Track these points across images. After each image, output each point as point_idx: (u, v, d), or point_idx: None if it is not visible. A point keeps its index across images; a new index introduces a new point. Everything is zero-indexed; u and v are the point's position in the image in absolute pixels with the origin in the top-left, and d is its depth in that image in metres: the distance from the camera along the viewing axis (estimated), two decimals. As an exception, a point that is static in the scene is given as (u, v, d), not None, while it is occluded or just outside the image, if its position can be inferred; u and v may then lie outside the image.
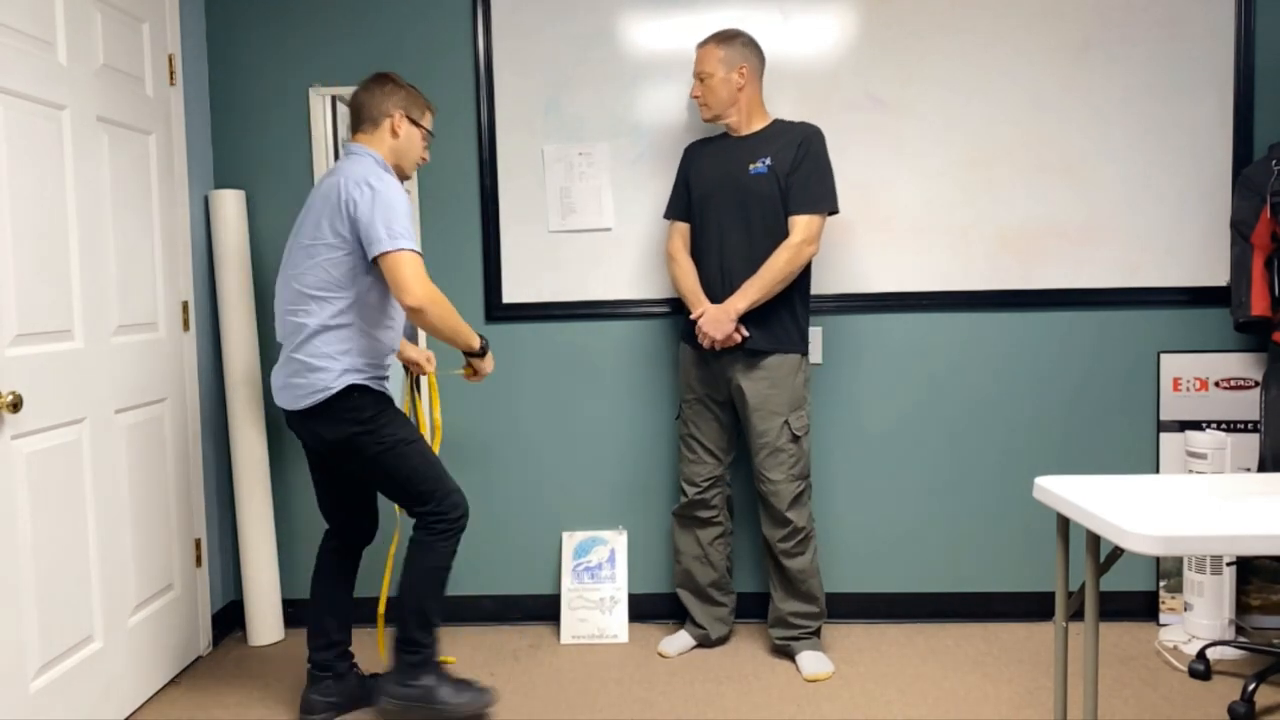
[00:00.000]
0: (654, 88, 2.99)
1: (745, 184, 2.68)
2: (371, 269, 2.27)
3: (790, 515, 2.72)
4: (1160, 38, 2.91)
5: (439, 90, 3.03)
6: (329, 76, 3.04)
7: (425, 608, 2.36)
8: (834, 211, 2.69)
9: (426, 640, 2.37)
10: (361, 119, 2.39)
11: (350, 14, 3.02)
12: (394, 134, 2.38)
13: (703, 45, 2.71)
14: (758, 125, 2.73)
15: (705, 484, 2.83)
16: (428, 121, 2.45)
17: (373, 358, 2.34)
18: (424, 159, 2.47)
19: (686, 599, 2.93)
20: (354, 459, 2.35)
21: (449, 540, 2.38)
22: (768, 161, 2.67)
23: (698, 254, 2.79)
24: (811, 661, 2.73)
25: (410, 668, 2.36)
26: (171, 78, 2.81)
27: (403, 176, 2.42)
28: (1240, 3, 2.88)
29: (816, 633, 2.82)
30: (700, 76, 2.71)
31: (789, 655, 2.81)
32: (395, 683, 2.37)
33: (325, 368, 2.27)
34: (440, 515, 2.37)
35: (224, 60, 3.05)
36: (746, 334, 2.67)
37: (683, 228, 2.84)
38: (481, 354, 2.50)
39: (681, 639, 2.90)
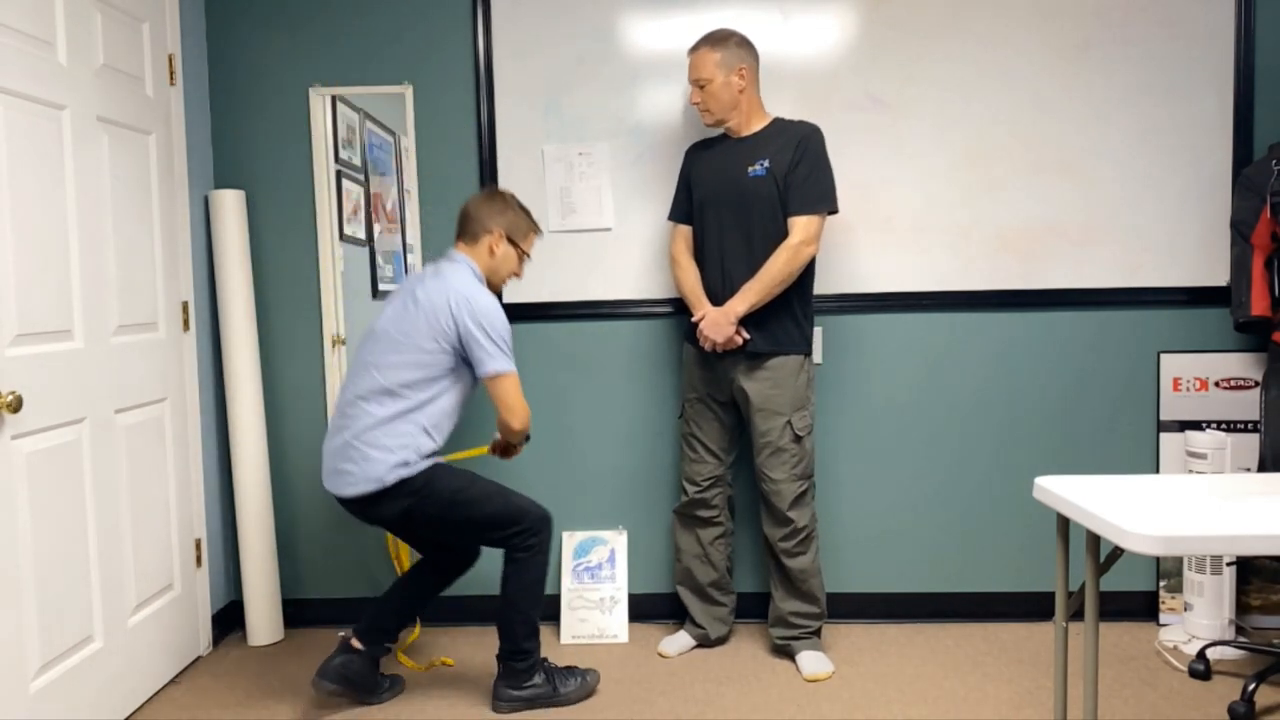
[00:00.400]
0: (654, 88, 2.99)
1: (744, 187, 2.67)
2: (450, 376, 2.39)
3: (791, 515, 2.72)
4: (1160, 38, 2.91)
5: (439, 90, 3.03)
6: (329, 76, 3.04)
7: (531, 617, 2.49)
8: (833, 211, 2.69)
9: (533, 646, 2.51)
10: (465, 230, 2.52)
11: (350, 14, 3.02)
12: (491, 252, 2.50)
13: (695, 51, 2.68)
14: (757, 125, 2.72)
15: (706, 483, 2.84)
16: (528, 244, 2.56)
17: (425, 455, 2.40)
18: (517, 275, 2.59)
19: (686, 598, 2.93)
20: (418, 525, 2.43)
21: (542, 554, 2.48)
22: (766, 163, 2.66)
23: (699, 257, 2.79)
24: (811, 661, 2.73)
25: (521, 673, 2.51)
26: (171, 78, 2.81)
27: (491, 289, 2.53)
28: (1240, 2, 2.88)
29: (817, 633, 2.82)
30: (699, 83, 2.67)
31: (789, 655, 2.81)
32: (509, 688, 2.51)
33: (379, 459, 2.33)
34: (525, 533, 2.45)
35: (224, 60, 3.05)
36: (747, 336, 2.67)
37: (685, 230, 2.84)
38: (526, 439, 2.59)
39: (681, 639, 2.90)
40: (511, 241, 2.51)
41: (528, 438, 2.59)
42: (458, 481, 2.41)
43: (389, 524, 2.45)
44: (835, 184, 2.70)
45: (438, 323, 2.34)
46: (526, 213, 2.56)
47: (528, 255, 2.58)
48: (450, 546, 2.62)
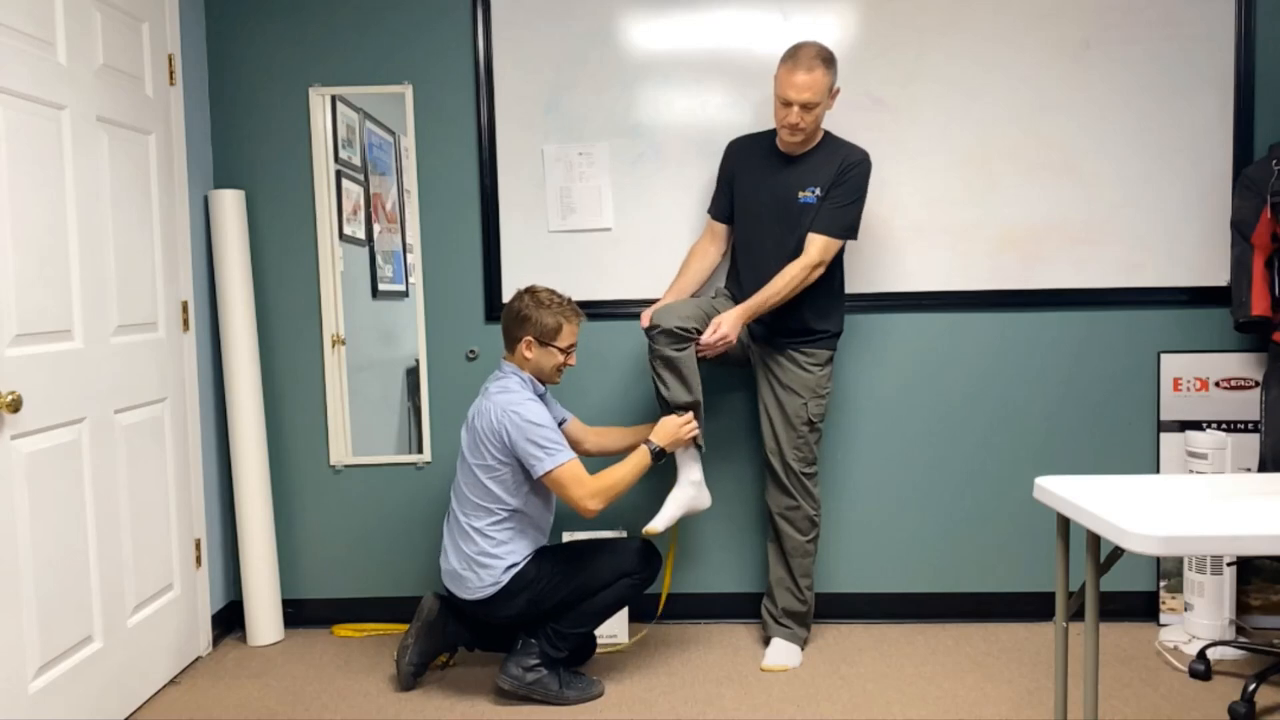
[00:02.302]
0: (654, 88, 2.99)
1: (794, 212, 2.68)
2: (526, 483, 2.53)
3: (795, 489, 2.77)
4: (1160, 37, 2.91)
5: (439, 90, 3.03)
6: (329, 76, 3.04)
7: (594, 622, 2.59)
8: (852, 239, 2.73)
9: (574, 643, 2.59)
10: (505, 339, 2.62)
11: (350, 14, 3.02)
12: (526, 358, 2.57)
13: (808, 70, 2.52)
14: (813, 143, 2.70)
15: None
16: (563, 339, 2.58)
17: (532, 544, 2.59)
18: (569, 364, 2.63)
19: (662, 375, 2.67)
20: (546, 607, 2.54)
21: (642, 587, 2.61)
22: (817, 191, 2.66)
23: (739, 263, 2.81)
24: (776, 651, 2.79)
25: (544, 660, 2.56)
26: (171, 78, 2.81)
27: (548, 383, 2.64)
28: (1240, 3, 2.88)
29: (798, 621, 2.83)
30: (807, 105, 2.54)
31: (767, 639, 2.85)
32: (521, 666, 2.56)
33: (490, 565, 2.52)
34: (633, 576, 2.58)
35: (224, 60, 3.05)
36: (733, 342, 2.66)
37: (720, 229, 2.86)
38: (661, 456, 2.59)
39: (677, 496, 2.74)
40: (542, 343, 2.56)
41: (661, 452, 2.58)
42: (564, 555, 2.59)
43: (516, 621, 2.57)
44: (861, 214, 2.71)
45: (495, 440, 2.49)
46: (555, 306, 2.56)
47: (569, 349, 2.59)
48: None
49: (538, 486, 2.56)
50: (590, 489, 2.47)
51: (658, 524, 2.63)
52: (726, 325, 2.62)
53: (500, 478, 2.51)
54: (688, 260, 2.90)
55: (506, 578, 2.51)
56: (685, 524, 3.00)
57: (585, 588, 2.53)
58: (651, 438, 2.60)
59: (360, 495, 3.14)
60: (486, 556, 2.51)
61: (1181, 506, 1.79)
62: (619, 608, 2.62)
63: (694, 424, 2.63)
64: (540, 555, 2.57)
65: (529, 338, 2.55)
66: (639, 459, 2.56)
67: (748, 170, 2.77)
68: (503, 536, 2.52)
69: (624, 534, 3.07)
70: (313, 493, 3.14)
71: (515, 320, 2.57)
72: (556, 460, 2.46)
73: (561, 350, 2.58)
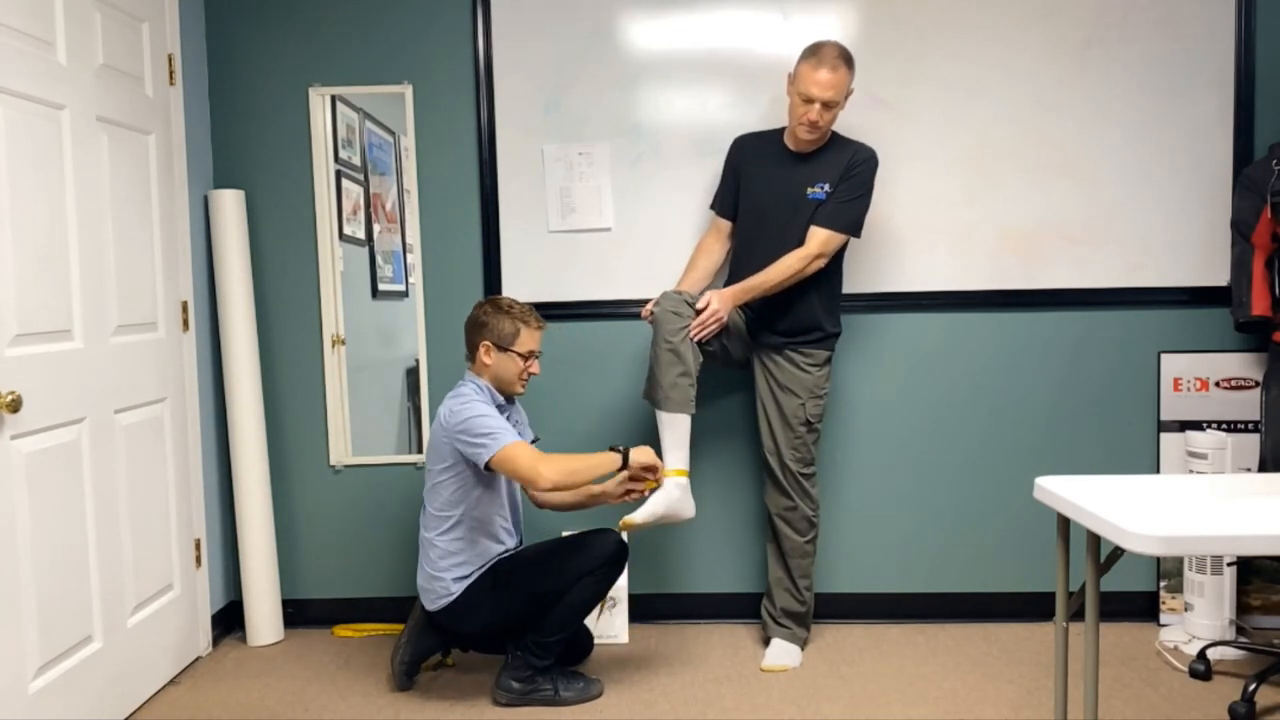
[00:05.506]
0: (654, 88, 2.99)
1: (803, 209, 2.67)
2: (475, 488, 2.52)
3: (793, 490, 2.76)
4: (1161, 37, 2.91)
5: (439, 90, 3.03)
6: (329, 76, 3.04)
7: (572, 622, 2.56)
8: (855, 236, 2.71)
9: (557, 648, 2.57)
10: (467, 348, 2.61)
11: (350, 14, 3.02)
12: (485, 365, 2.55)
13: (833, 69, 2.53)
14: (822, 141, 2.70)
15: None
16: (522, 344, 2.54)
17: (482, 558, 2.57)
18: (533, 373, 2.59)
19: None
20: (505, 625, 2.55)
21: (611, 581, 2.56)
22: (826, 187, 2.65)
23: (741, 259, 2.79)
24: (776, 651, 2.79)
25: (536, 669, 2.56)
26: (171, 77, 2.81)
27: (510, 395, 2.61)
28: (1240, 3, 2.88)
29: (797, 620, 2.83)
30: (829, 104, 2.55)
31: (767, 639, 2.85)
32: (514, 679, 2.56)
33: (441, 577, 2.54)
34: (601, 571, 2.52)
35: (224, 60, 3.05)
36: (723, 318, 2.64)
37: (724, 225, 2.85)
38: (627, 463, 2.48)
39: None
40: (500, 348, 2.53)
41: (627, 455, 2.46)
42: (521, 561, 2.56)
43: (488, 633, 2.58)
44: (867, 212, 2.70)
45: (442, 447, 2.50)
46: (514, 311, 2.54)
47: (530, 355, 2.55)
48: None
49: (489, 490, 2.54)
50: (545, 464, 2.37)
51: (636, 516, 2.60)
52: (716, 300, 2.61)
53: (446, 483, 2.51)
54: (694, 258, 2.90)
55: (458, 589, 2.52)
56: (681, 529, 3.00)
57: (548, 593, 2.50)
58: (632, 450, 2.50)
59: (360, 495, 3.14)
60: (436, 569, 2.53)
61: (1182, 506, 1.79)
62: (591, 606, 2.56)
63: (658, 480, 2.56)
64: (496, 566, 2.55)
65: (486, 342, 2.53)
66: (603, 456, 2.47)
67: (756, 167, 2.77)
68: (452, 548, 2.52)
69: (623, 532, 3.08)
70: (313, 493, 3.14)
71: (473, 326, 2.56)
72: (499, 443, 2.39)
73: (521, 356, 2.54)
